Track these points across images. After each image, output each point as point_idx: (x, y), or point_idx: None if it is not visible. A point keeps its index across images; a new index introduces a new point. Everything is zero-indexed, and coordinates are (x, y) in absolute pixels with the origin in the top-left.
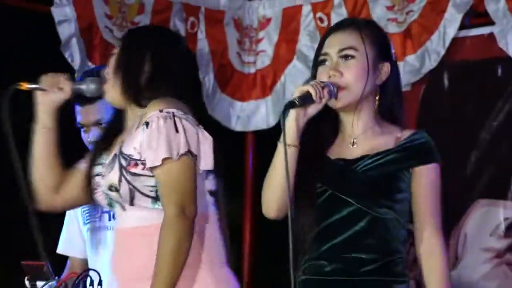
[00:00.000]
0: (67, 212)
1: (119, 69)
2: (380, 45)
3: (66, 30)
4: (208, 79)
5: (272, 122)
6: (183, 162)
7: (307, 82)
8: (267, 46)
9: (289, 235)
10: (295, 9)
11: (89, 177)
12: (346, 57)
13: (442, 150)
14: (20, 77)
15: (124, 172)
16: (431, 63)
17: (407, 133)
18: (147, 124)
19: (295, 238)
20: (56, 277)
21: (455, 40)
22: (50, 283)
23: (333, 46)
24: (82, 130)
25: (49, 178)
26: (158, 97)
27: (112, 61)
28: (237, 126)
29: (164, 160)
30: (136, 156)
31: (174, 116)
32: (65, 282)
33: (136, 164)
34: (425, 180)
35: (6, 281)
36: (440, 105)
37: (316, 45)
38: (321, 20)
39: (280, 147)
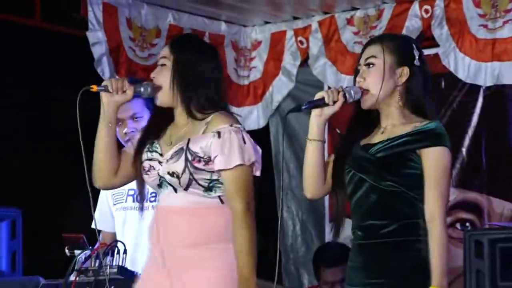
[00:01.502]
0: (100, 195)
1: (180, 83)
2: (400, 53)
3: (98, 50)
4: None
5: (262, 123)
6: (249, 168)
7: (340, 87)
8: (258, 63)
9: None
10: (280, 34)
11: (139, 160)
12: (368, 65)
13: None
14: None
15: (189, 165)
16: None
17: (424, 122)
18: (219, 133)
19: (335, 209)
20: (90, 247)
21: None
22: (85, 252)
23: (362, 58)
24: (117, 124)
25: (111, 163)
26: (216, 106)
27: (166, 70)
28: None
29: (236, 165)
30: (201, 154)
31: (241, 130)
32: (97, 251)
33: (199, 161)
34: (429, 162)
35: (49, 250)
36: None
37: (297, 63)
38: (301, 42)
39: (308, 143)
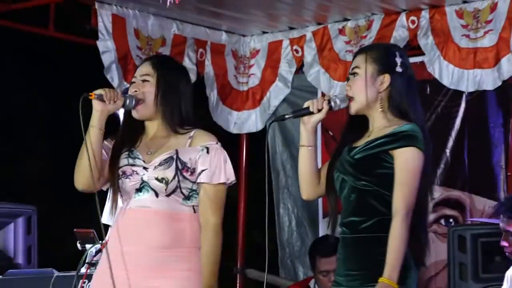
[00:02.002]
0: (109, 192)
1: (165, 100)
2: (381, 62)
3: (108, 58)
4: (213, 95)
5: (260, 126)
6: (226, 187)
7: (327, 95)
8: (256, 70)
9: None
10: (277, 43)
11: (116, 166)
12: (353, 74)
13: None
14: (74, 92)
15: (179, 173)
16: None
17: (401, 125)
18: (207, 149)
19: (329, 209)
20: (100, 241)
21: None
22: (95, 246)
23: (350, 67)
24: None
25: (96, 167)
26: (193, 125)
27: (149, 86)
28: (234, 129)
29: (221, 183)
30: (189, 165)
31: (223, 149)
32: (106, 245)
33: (187, 170)
34: (399, 161)
35: (62, 245)
36: None
37: (293, 70)
38: (296, 51)
39: (300, 149)
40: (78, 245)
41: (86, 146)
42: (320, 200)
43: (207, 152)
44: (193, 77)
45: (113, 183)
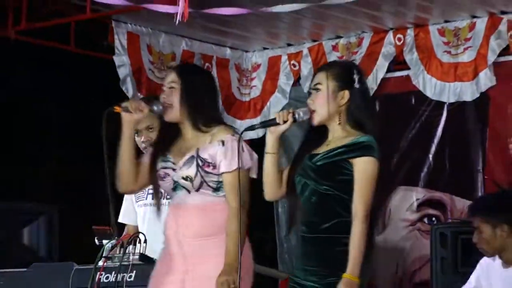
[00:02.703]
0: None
1: (189, 102)
2: (341, 79)
3: (123, 71)
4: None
5: (260, 134)
6: (246, 172)
7: (291, 108)
8: (257, 82)
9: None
10: (276, 58)
11: (154, 169)
12: (316, 89)
13: None
14: (91, 102)
15: (200, 170)
16: None
17: (358, 136)
18: (223, 142)
19: (289, 209)
20: (116, 237)
21: (383, 79)
22: (112, 241)
23: (312, 82)
24: (136, 134)
25: (132, 171)
26: (217, 122)
27: (175, 93)
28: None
29: (236, 169)
30: (209, 160)
31: (239, 140)
32: (122, 241)
33: (208, 165)
34: (358, 169)
35: (81, 240)
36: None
37: (291, 82)
38: (294, 65)
39: (265, 155)
40: (96, 240)
41: (121, 154)
42: None
43: (223, 145)
44: None
45: (154, 185)
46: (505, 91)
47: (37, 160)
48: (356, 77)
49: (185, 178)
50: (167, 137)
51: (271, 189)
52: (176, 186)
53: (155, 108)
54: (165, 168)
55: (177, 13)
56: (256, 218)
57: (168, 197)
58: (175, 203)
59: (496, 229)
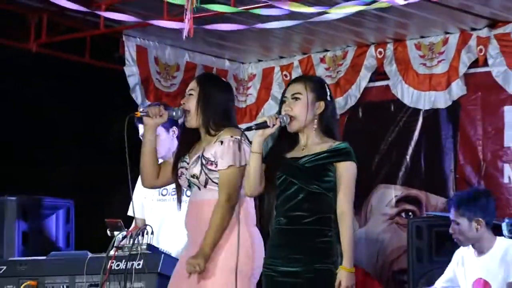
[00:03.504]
0: (135, 190)
1: (203, 108)
2: (318, 91)
3: (133, 80)
4: None
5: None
6: (240, 170)
7: (275, 114)
8: (253, 91)
9: None
10: (270, 69)
11: (176, 169)
12: (295, 98)
13: (357, 155)
14: (105, 108)
15: (204, 168)
16: (351, 102)
17: (336, 143)
18: (221, 142)
19: (267, 204)
20: (126, 229)
21: (366, 89)
22: (122, 233)
23: (289, 92)
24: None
25: (153, 169)
26: (226, 126)
27: (193, 99)
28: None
29: (229, 166)
30: (212, 159)
31: (239, 141)
32: (131, 232)
33: (211, 164)
34: (341, 172)
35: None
36: (356, 127)
37: (282, 91)
38: (286, 76)
39: (251, 155)
40: (108, 232)
41: (143, 154)
42: None
43: (221, 144)
44: None
45: (177, 183)
46: (475, 100)
47: (57, 161)
48: (328, 91)
49: (193, 176)
50: (187, 140)
51: (254, 186)
52: (190, 184)
53: (173, 113)
54: (182, 168)
55: (181, 28)
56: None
57: (173, 193)
58: (191, 199)
59: (471, 222)
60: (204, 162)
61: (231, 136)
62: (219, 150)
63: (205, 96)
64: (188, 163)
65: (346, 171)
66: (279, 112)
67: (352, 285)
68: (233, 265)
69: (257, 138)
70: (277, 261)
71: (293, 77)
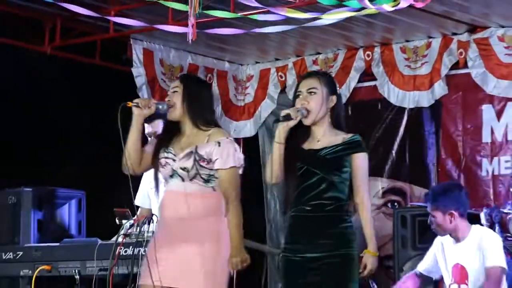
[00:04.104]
0: (141, 181)
1: (190, 104)
2: (330, 86)
3: (140, 81)
4: (218, 109)
5: (253, 132)
6: (238, 169)
7: (291, 107)
8: (251, 90)
9: None
10: (266, 70)
11: (157, 158)
12: (311, 92)
13: None
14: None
15: (196, 163)
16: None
17: (349, 135)
18: (219, 143)
19: (287, 192)
20: (133, 218)
21: (355, 89)
22: (129, 222)
23: (304, 86)
24: (149, 137)
25: (137, 156)
26: (214, 124)
27: (178, 95)
28: (233, 135)
29: (231, 167)
30: (205, 157)
31: (233, 142)
32: (138, 221)
33: (204, 161)
34: (357, 163)
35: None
36: (346, 124)
37: (278, 91)
38: (281, 76)
39: (275, 144)
40: (117, 220)
41: (128, 141)
42: None
43: (219, 145)
44: None
45: (156, 171)
46: (455, 99)
47: (70, 155)
48: (337, 86)
49: (183, 169)
50: (169, 133)
51: (276, 173)
52: (173, 174)
53: (160, 106)
54: (167, 158)
55: (184, 32)
56: (249, 203)
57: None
58: (170, 189)
59: (445, 215)
60: (197, 158)
61: (227, 138)
62: (217, 151)
63: (190, 92)
64: (174, 155)
65: (362, 161)
66: (293, 106)
67: (375, 268)
68: (218, 253)
69: (282, 129)
70: (300, 247)
71: (288, 78)
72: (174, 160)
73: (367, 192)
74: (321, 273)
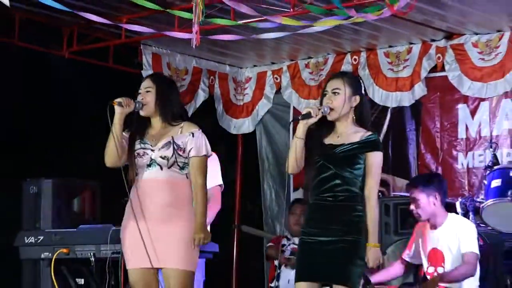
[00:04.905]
0: None
1: (162, 102)
2: (354, 86)
3: None
4: (220, 108)
5: (251, 129)
6: (207, 158)
7: (317, 105)
8: (249, 91)
9: None
10: (263, 73)
11: (132, 150)
12: (335, 93)
13: None
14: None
15: (175, 152)
16: None
17: (367, 134)
18: (192, 134)
19: (307, 183)
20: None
21: None
22: None
23: (329, 86)
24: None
25: (118, 150)
26: (183, 118)
27: (151, 95)
28: (233, 131)
29: (203, 155)
30: (181, 146)
31: (203, 134)
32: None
33: (180, 150)
34: (370, 161)
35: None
36: None
37: (274, 91)
38: (276, 78)
39: (295, 139)
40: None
41: (110, 138)
42: (291, 178)
43: (193, 136)
44: (205, 96)
45: (131, 161)
46: (434, 99)
47: (86, 149)
48: (362, 86)
49: (163, 157)
50: (141, 127)
51: (296, 165)
52: (151, 163)
53: (136, 105)
54: (144, 148)
55: (190, 39)
56: (248, 193)
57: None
58: (146, 177)
59: (429, 197)
60: (176, 147)
61: (198, 129)
62: (191, 141)
63: (162, 91)
64: (151, 145)
65: (374, 160)
66: (320, 103)
67: (377, 258)
68: (188, 234)
69: (302, 126)
70: (315, 231)
71: (282, 80)
72: (152, 150)
73: (375, 188)
74: (330, 255)
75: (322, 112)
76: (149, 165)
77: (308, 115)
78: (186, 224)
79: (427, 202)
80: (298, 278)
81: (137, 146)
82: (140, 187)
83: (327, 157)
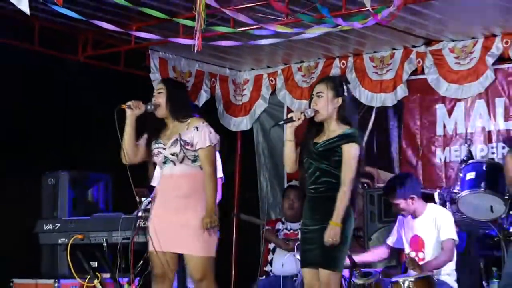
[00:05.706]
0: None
1: (171, 103)
2: (336, 89)
3: (156, 84)
4: (220, 107)
5: (249, 127)
6: (214, 147)
7: (301, 109)
8: (247, 92)
9: None
10: (260, 76)
11: (150, 149)
12: (318, 96)
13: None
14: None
15: (182, 148)
16: None
17: (346, 129)
18: (197, 128)
19: (301, 179)
20: (151, 196)
21: None
22: (148, 199)
23: (315, 90)
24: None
25: (132, 149)
26: (191, 115)
27: (162, 96)
28: (233, 128)
29: (208, 146)
30: (188, 141)
31: (208, 125)
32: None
33: (188, 145)
34: (345, 151)
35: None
36: None
37: (269, 92)
38: (272, 81)
39: (286, 142)
40: (137, 198)
41: (124, 138)
42: (285, 173)
43: (197, 130)
44: (207, 96)
45: (150, 160)
46: (414, 100)
47: (99, 144)
48: (345, 88)
49: (173, 154)
50: (157, 128)
51: (291, 165)
52: (166, 161)
53: (148, 107)
54: (158, 148)
55: (193, 44)
56: (246, 185)
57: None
58: (166, 172)
59: (407, 200)
60: (182, 143)
61: (203, 123)
62: (197, 135)
63: (173, 93)
64: (164, 145)
65: (348, 151)
66: (309, 105)
67: (334, 235)
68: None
69: (289, 129)
70: (306, 221)
71: (277, 82)
72: (164, 149)
73: (349, 176)
74: (315, 242)
75: (304, 115)
76: (164, 162)
77: (290, 119)
78: (202, 213)
79: (406, 204)
80: (301, 265)
81: (153, 146)
82: (161, 182)
83: (310, 154)
